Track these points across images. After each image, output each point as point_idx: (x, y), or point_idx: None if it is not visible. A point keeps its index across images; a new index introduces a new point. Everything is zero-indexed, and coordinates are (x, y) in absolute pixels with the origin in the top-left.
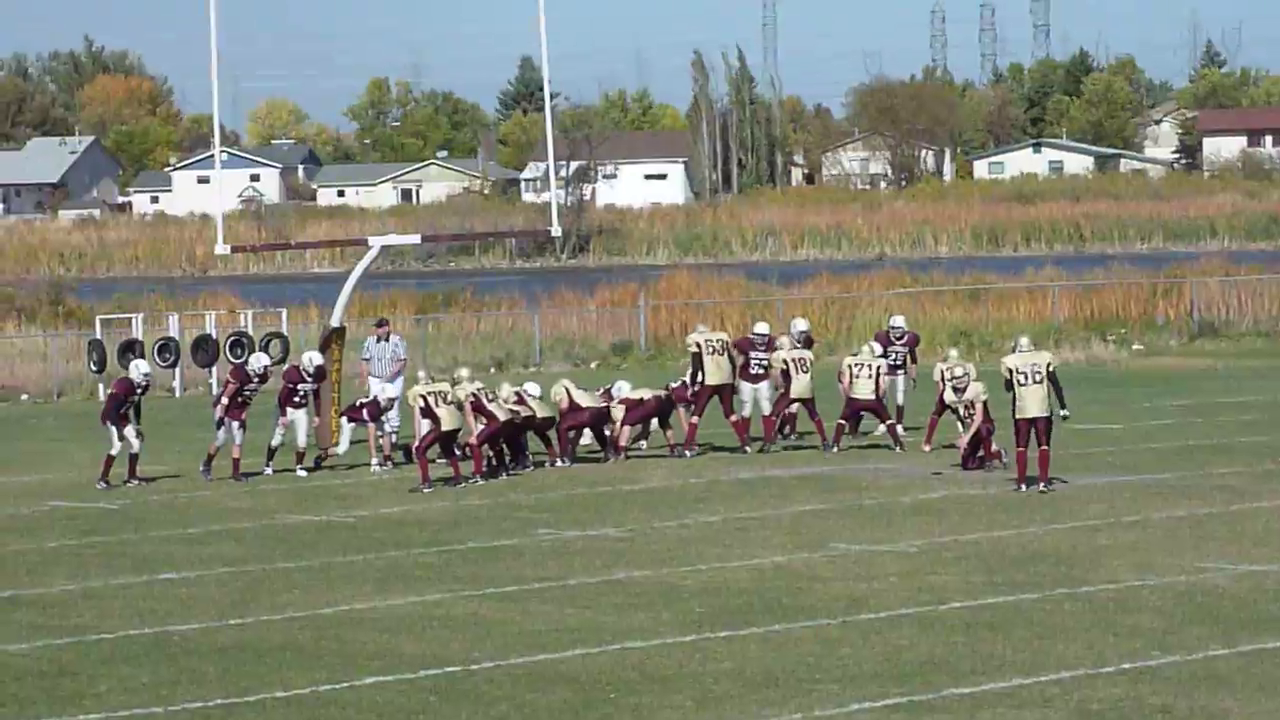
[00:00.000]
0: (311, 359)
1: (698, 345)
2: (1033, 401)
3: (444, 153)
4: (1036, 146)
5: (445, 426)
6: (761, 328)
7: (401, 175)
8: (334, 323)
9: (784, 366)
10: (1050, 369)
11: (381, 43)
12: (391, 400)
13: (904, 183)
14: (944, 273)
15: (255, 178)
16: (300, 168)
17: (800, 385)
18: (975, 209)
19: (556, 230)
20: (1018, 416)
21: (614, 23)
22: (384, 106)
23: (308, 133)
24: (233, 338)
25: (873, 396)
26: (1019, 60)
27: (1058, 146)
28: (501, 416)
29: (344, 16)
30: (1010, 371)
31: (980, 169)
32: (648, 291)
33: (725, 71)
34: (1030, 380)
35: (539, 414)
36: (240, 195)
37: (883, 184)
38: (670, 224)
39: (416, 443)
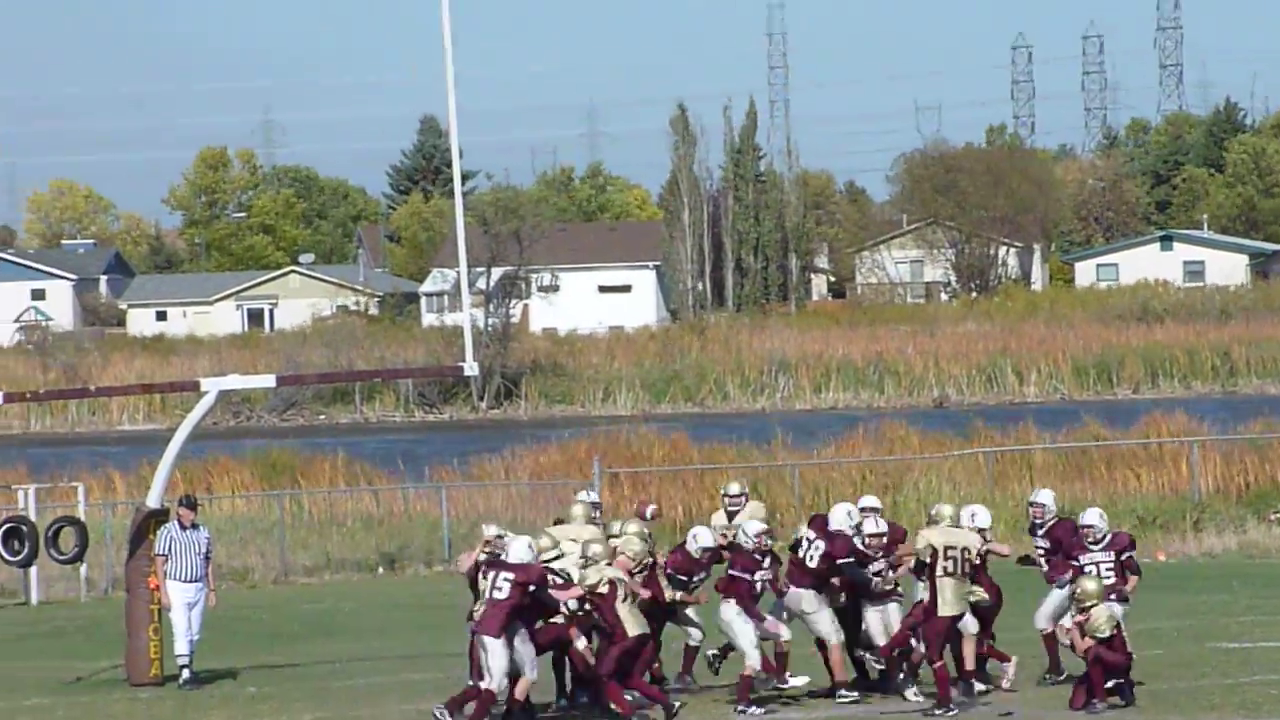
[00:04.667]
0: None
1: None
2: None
3: (309, 256)
4: (1166, 241)
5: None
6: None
7: (247, 289)
8: (152, 503)
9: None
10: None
11: (219, 99)
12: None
13: (975, 294)
14: (1033, 425)
15: (38, 294)
16: (103, 279)
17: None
18: (1078, 332)
19: (472, 368)
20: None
21: (556, 68)
22: (221, 191)
23: (112, 230)
24: (7, 525)
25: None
26: (1141, 115)
27: (1197, 241)
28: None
29: (164, 63)
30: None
31: (1085, 273)
32: (604, 454)
33: (724, 134)
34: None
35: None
36: (17, 320)
37: (943, 296)
38: (637, 357)
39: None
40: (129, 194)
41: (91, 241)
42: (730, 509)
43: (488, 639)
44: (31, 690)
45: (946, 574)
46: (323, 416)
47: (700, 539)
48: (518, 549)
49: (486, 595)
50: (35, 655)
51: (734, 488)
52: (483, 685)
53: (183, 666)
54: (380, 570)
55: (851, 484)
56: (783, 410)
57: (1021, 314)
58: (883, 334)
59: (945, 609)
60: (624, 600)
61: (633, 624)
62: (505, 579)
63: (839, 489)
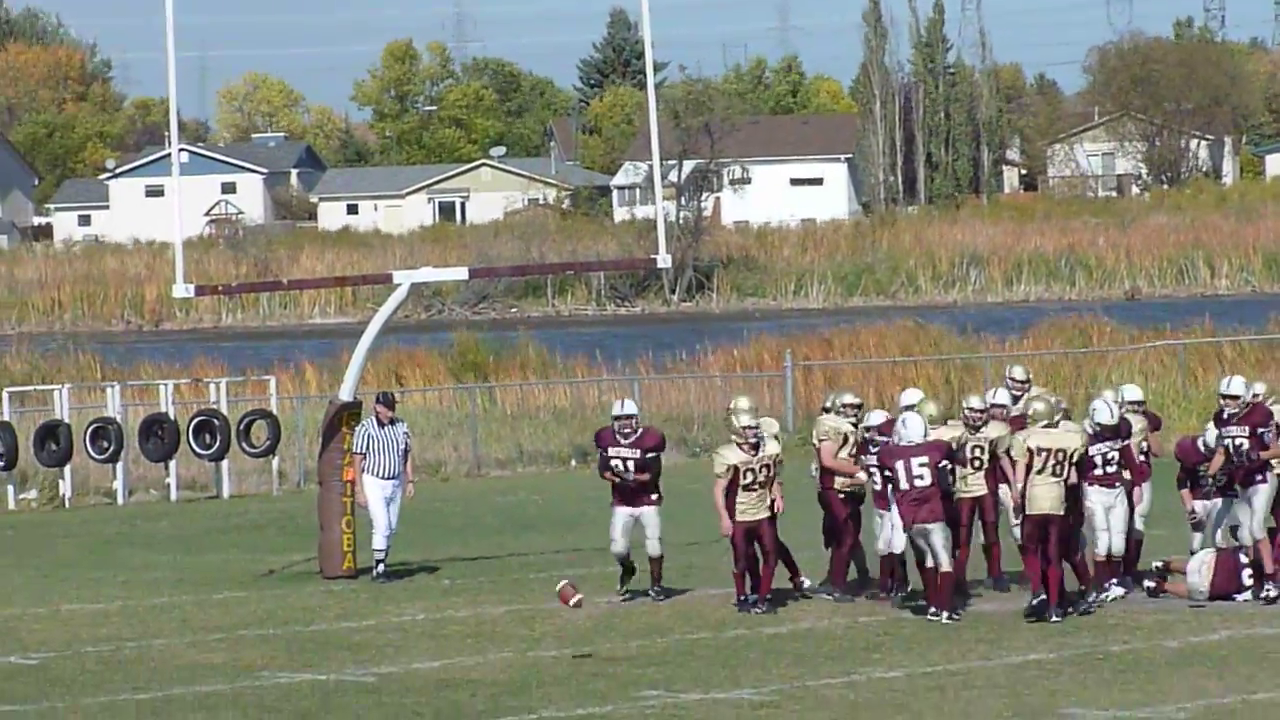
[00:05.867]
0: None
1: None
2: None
3: (500, 150)
4: None
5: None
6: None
7: (439, 183)
8: (344, 396)
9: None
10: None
11: None
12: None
13: (1166, 187)
14: (1226, 318)
15: (229, 188)
16: (294, 173)
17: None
18: (1270, 224)
19: (665, 261)
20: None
21: None
22: (412, 85)
23: (304, 123)
24: (199, 419)
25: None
26: None
27: None
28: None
29: None
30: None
31: (1276, 165)
32: (796, 348)
33: (910, 29)
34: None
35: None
36: (208, 213)
37: (1135, 189)
38: (829, 250)
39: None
40: (319, 88)
41: (282, 135)
42: (1015, 393)
43: (932, 524)
44: (224, 584)
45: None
46: (514, 310)
47: None
48: (917, 427)
49: (904, 482)
50: (227, 548)
51: (1019, 371)
52: (942, 568)
53: (378, 561)
54: (573, 463)
55: (1045, 376)
56: (974, 303)
57: (1212, 207)
58: (1074, 227)
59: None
60: None
61: None
62: (921, 463)
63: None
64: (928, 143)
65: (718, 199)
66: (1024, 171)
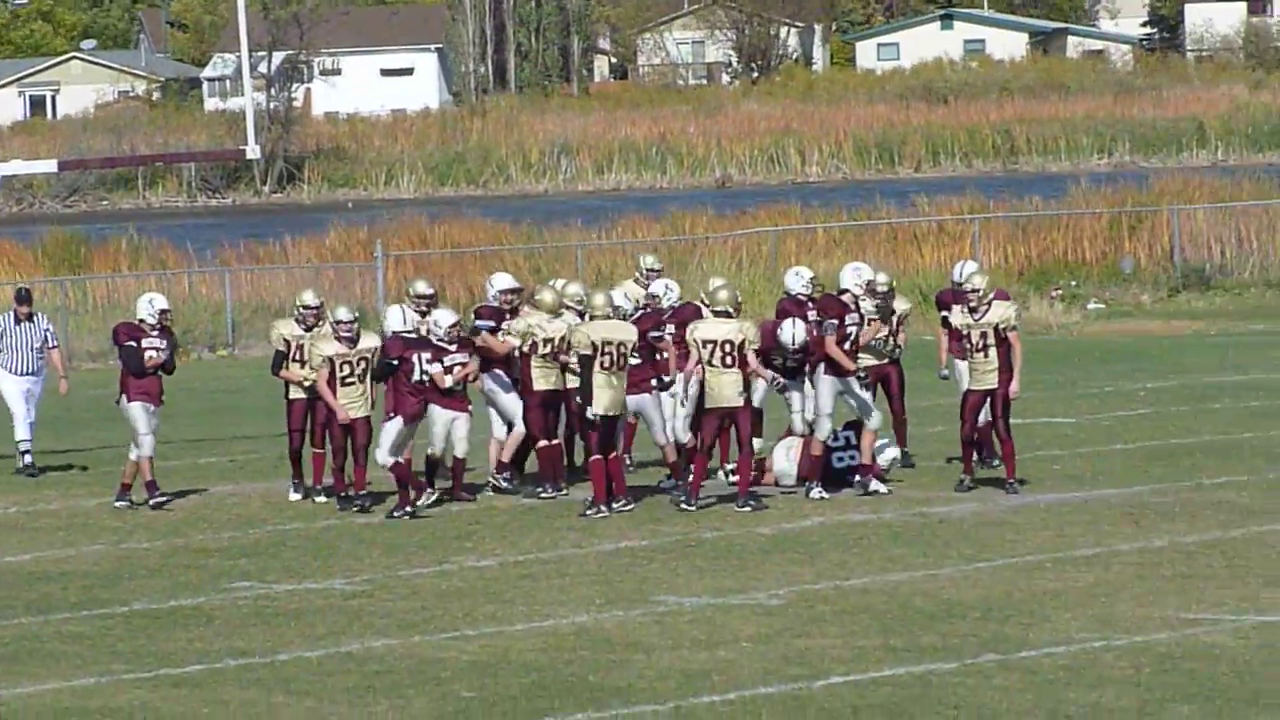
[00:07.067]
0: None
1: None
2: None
3: (91, 43)
4: (947, 19)
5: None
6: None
7: (28, 76)
8: None
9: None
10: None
11: None
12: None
13: (756, 75)
14: (816, 204)
15: None
16: None
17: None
18: (859, 111)
19: (254, 151)
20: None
21: None
22: None
23: None
24: None
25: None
26: None
27: (978, 19)
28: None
29: None
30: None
31: (866, 54)
32: (387, 238)
33: None
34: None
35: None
36: None
37: (725, 77)
38: (420, 140)
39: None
40: None
41: None
42: (648, 281)
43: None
44: None
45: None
46: (105, 202)
47: None
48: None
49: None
50: None
51: (650, 260)
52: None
53: (24, 452)
54: None
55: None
56: (566, 193)
57: (802, 95)
58: (665, 115)
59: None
60: None
61: None
62: None
63: (625, 271)
64: (518, 32)
65: (308, 90)
66: (614, 60)
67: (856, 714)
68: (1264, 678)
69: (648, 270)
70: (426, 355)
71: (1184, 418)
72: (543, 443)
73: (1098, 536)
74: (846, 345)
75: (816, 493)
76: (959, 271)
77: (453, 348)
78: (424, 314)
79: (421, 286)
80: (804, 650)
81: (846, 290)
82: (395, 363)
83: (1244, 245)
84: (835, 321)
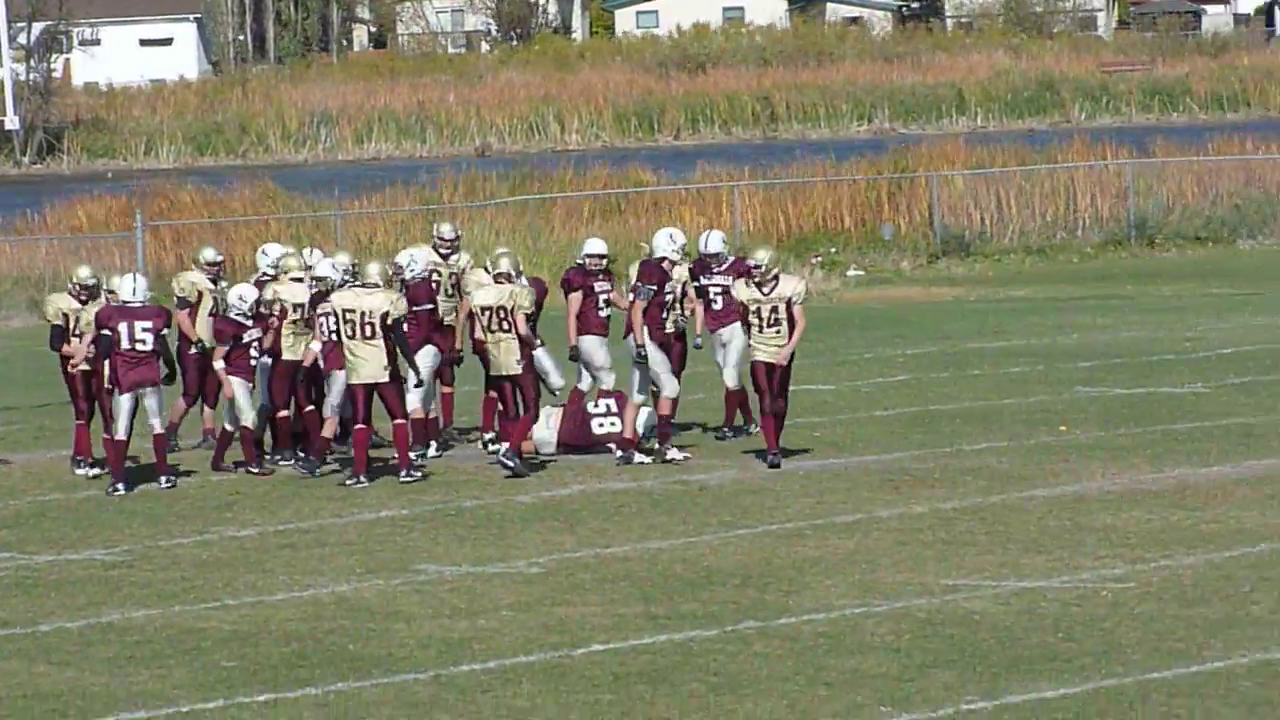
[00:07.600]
0: None
1: None
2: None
3: None
4: None
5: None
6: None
7: None
8: None
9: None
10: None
11: None
12: None
13: (515, 43)
14: (573, 172)
15: None
16: None
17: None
18: (618, 79)
19: (13, 123)
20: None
21: None
22: None
23: None
24: None
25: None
26: None
27: None
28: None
29: None
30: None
31: (625, 20)
32: (146, 208)
33: None
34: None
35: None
36: None
37: (484, 46)
38: (179, 110)
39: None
40: None
41: None
42: (443, 251)
43: None
44: None
45: None
46: None
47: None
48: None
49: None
50: None
51: (447, 230)
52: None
53: None
54: None
55: (395, 233)
56: (326, 161)
57: (561, 63)
58: (424, 84)
59: None
60: None
61: None
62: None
63: (381, 240)
64: (277, 2)
65: (67, 60)
66: (374, 29)
67: (617, 681)
68: (1024, 643)
69: (444, 239)
70: (139, 325)
71: (944, 384)
72: (283, 413)
73: (858, 503)
74: (665, 313)
75: (673, 454)
76: (704, 242)
77: (249, 323)
78: (215, 281)
79: (211, 254)
80: (564, 618)
81: (664, 257)
82: (108, 334)
83: (1004, 211)
84: (654, 287)
